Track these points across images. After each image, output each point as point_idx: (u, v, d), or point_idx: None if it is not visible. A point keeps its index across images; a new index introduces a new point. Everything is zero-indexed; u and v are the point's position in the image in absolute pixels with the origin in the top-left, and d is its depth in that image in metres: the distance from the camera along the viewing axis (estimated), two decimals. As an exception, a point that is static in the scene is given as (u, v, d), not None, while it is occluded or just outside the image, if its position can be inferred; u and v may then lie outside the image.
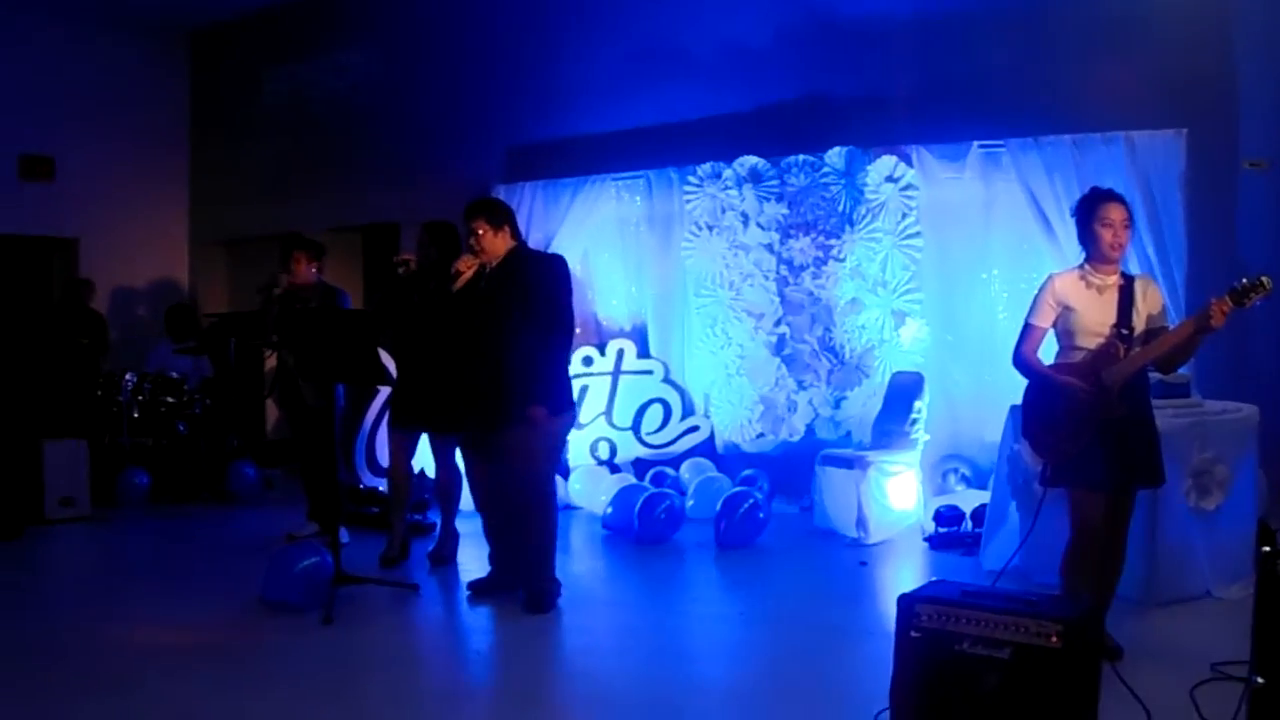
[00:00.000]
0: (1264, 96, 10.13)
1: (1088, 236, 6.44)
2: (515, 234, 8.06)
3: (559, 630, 7.64)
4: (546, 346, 7.76)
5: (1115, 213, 6.46)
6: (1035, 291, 6.59)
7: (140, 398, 13.03)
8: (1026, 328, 6.57)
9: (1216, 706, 5.44)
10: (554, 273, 7.89)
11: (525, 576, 7.98)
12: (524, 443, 7.68)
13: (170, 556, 10.21)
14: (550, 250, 11.37)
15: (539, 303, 7.72)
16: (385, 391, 11.31)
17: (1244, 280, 5.97)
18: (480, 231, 7.89)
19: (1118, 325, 6.33)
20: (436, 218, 9.57)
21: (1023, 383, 6.68)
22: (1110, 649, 6.32)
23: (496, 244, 7.92)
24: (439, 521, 9.62)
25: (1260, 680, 4.78)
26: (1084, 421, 6.26)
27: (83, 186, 15.85)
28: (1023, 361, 6.54)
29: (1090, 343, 6.32)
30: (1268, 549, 4.99)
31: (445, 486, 9.42)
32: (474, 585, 8.35)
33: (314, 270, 10.14)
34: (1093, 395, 6.22)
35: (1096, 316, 6.33)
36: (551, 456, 8.10)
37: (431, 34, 15.01)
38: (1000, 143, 10.65)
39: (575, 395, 8.74)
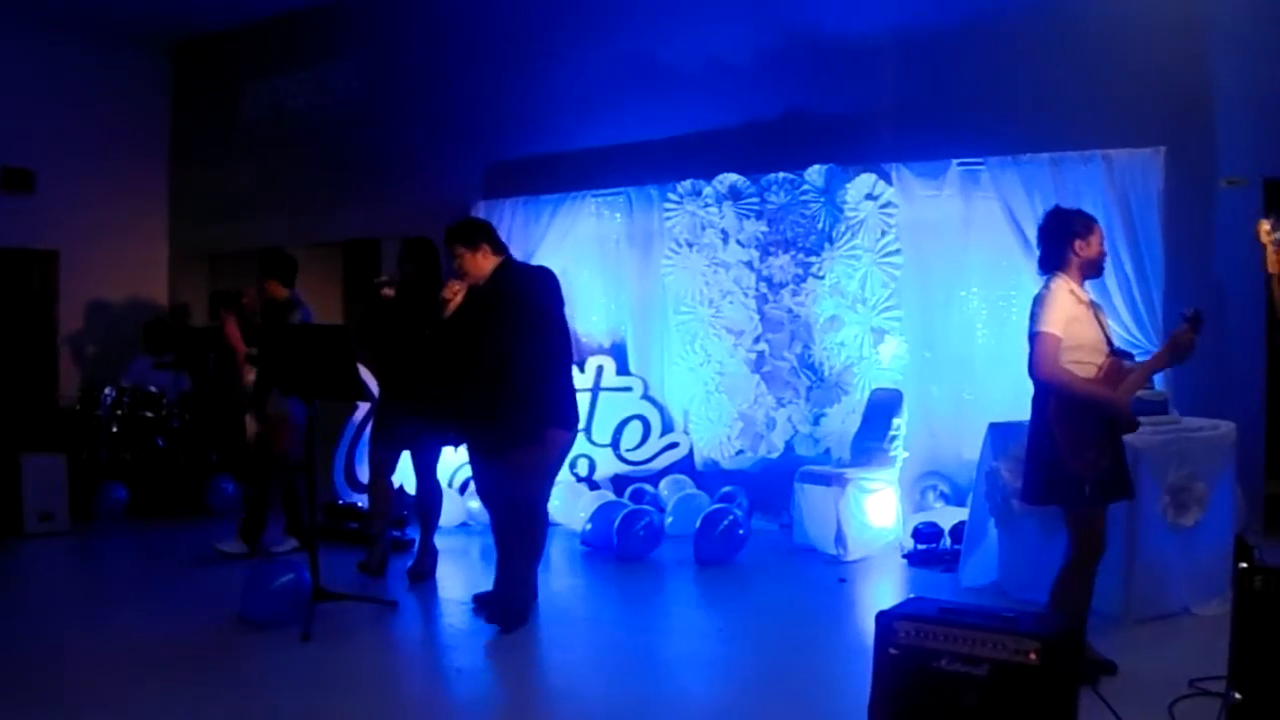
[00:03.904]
0: (1242, 114, 10.17)
1: (1084, 250, 6.39)
2: (498, 249, 8.03)
3: (538, 647, 7.64)
4: (543, 363, 7.75)
5: (1101, 231, 6.51)
6: (1038, 303, 6.30)
7: (119, 412, 13.00)
8: (1044, 337, 6.17)
9: (1195, 723, 5.47)
10: (541, 285, 7.87)
11: (502, 591, 7.98)
12: (521, 463, 7.68)
13: (148, 571, 10.17)
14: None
15: (529, 317, 7.71)
16: (364, 407, 11.33)
17: (1190, 310, 6.10)
18: (459, 255, 7.91)
19: (1108, 342, 6.36)
20: (417, 233, 9.58)
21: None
22: (1103, 663, 6.35)
23: (479, 264, 7.90)
24: (417, 538, 9.61)
25: (1238, 696, 4.80)
26: (1113, 437, 6.26)
27: (63, 199, 15.76)
28: (1053, 374, 6.14)
29: (1092, 357, 6.24)
30: (1245, 565, 5.01)
31: (425, 503, 9.42)
32: (479, 598, 8.36)
33: (288, 292, 10.16)
34: (1127, 410, 6.20)
35: (1092, 332, 6.31)
36: (549, 475, 8.10)
37: (412, 50, 15.02)
38: (979, 161, 10.69)
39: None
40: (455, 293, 7.89)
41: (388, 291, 9.07)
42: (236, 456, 11.33)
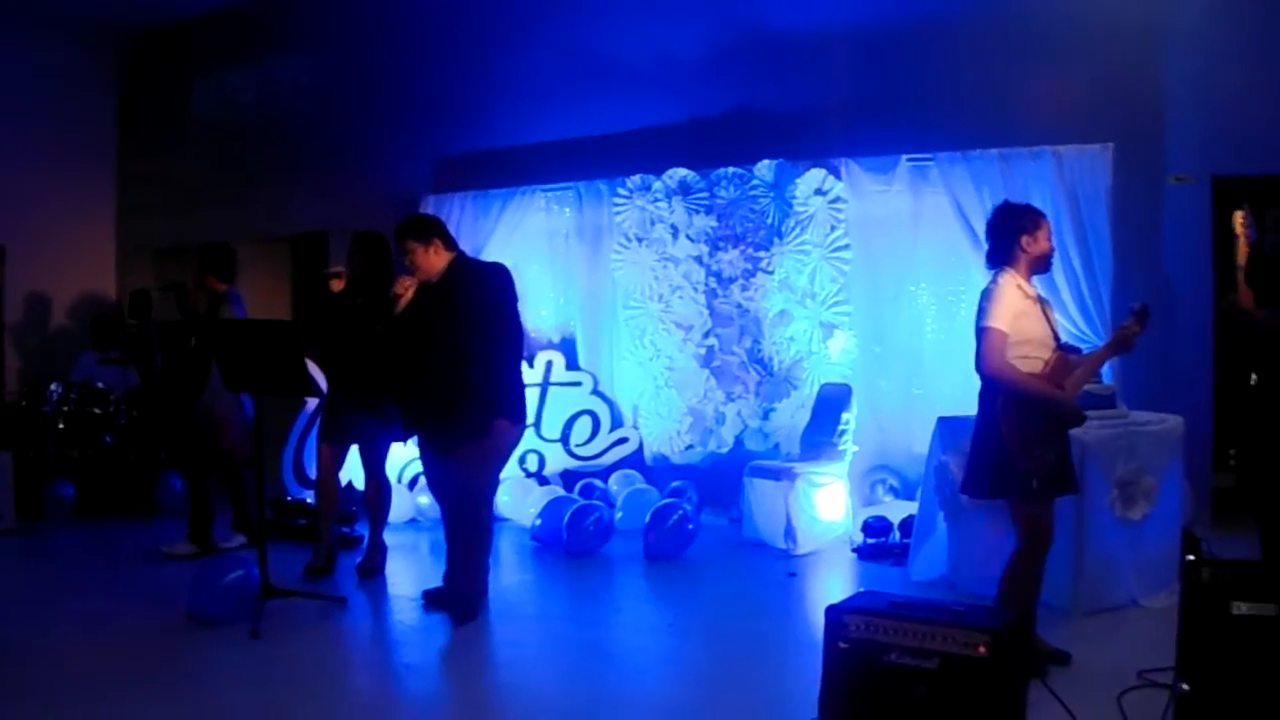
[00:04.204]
0: (1189, 112, 10.26)
1: (1032, 246, 6.41)
2: (450, 245, 8.03)
3: (487, 643, 7.63)
4: (495, 357, 7.75)
5: (1049, 227, 6.54)
6: (985, 298, 6.33)
7: (66, 408, 12.86)
8: (991, 332, 6.20)
9: (1143, 714, 5.49)
10: (496, 282, 7.87)
11: (454, 584, 8.01)
12: (471, 455, 7.68)
13: (97, 569, 10.08)
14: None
15: (483, 314, 7.71)
16: (313, 403, 11.27)
17: (1138, 305, 6.17)
18: (411, 251, 7.89)
19: (1055, 337, 6.39)
20: (366, 228, 9.54)
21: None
22: (1056, 654, 6.41)
23: (431, 260, 7.90)
24: (366, 534, 9.58)
25: (1185, 687, 4.82)
26: (1060, 431, 6.29)
27: (9, 194, 15.50)
28: (999, 370, 6.19)
29: (1039, 352, 6.28)
30: (1192, 557, 5.04)
31: (374, 498, 9.38)
32: (429, 594, 8.37)
33: (225, 286, 10.14)
34: (1074, 405, 6.24)
35: (1039, 327, 6.33)
36: (497, 468, 8.10)
37: (362, 44, 14.96)
38: (929, 156, 10.73)
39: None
40: (406, 288, 7.89)
41: (336, 282, 9.04)
42: (181, 453, 11.27)
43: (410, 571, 9.59)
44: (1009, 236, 6.44)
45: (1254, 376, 7.11)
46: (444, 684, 6.98)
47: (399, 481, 11.51)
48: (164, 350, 12.00)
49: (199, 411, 10.06)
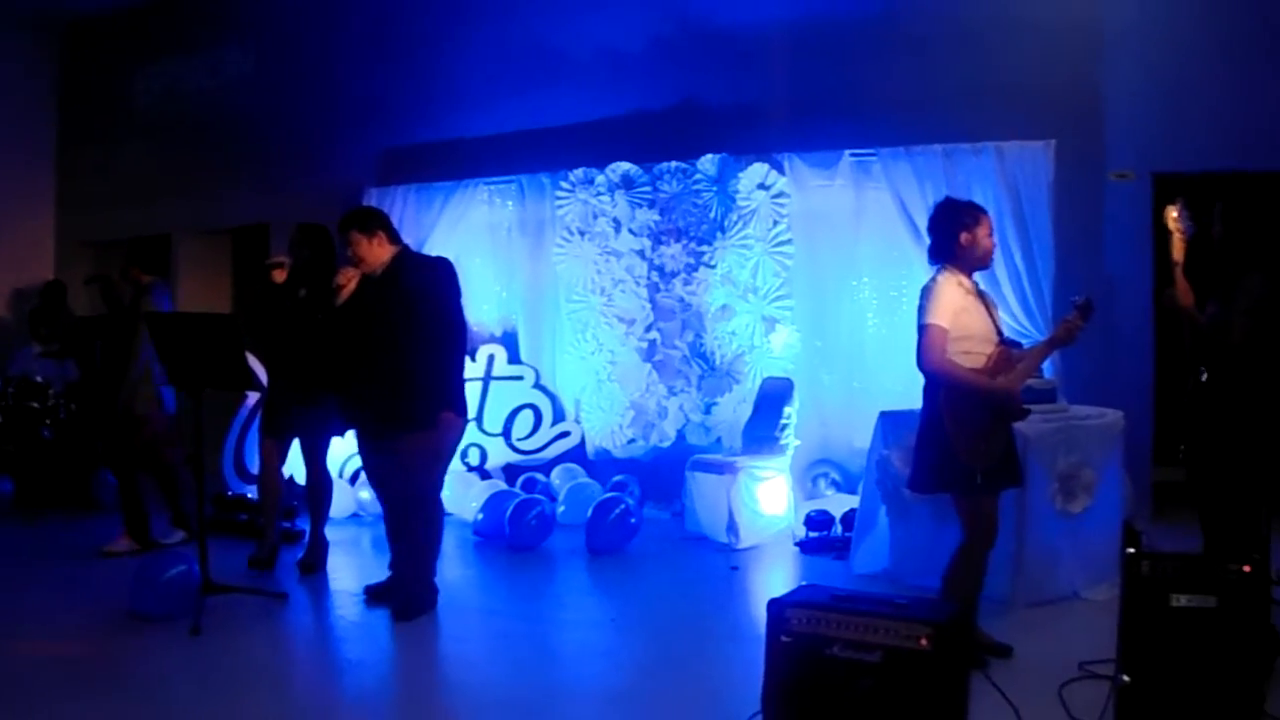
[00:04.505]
0: (1130, 110, 10.35)
1: (971, 243, 6.40)
2: (394, 239, 8.01)
3: (431, 638, 7.59)
4: (439, 351, 7.70)
5: (990, 223, 6.54)
6: (925, 295, 6.33)
7: (3, 403, 12.71)
8: (932, 329, 6.19)
9: (1084, 705, 5.52)
10: (439, 276, 7.83)
11: (401, 581, 7.97)
12: (416, 449, 7.65)
13: (33, 566, 9.98)
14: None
15: (427, 308, 7.66)
16: (254, 396, 11.21)
17: (1081, 298, 6.19)
18: (355, 242, 7.83)
19: (998, 332, 6.41)
20: (308, 220, 9.51)
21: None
22: (999, 647, 6.44)
23: (375, 252, 7.86)
24: (308, 529, 9.53)
25: (1126, 679, 4.86)
26: (1003, 425, 6.30)
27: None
28: (940, 366, 6.19)
29: (981, 348, 6.28)
30: (1132, 550, 5.08)
31: (315, 493, 9.33)
32: (371, 590, 8.33)
33: (150, 278, 10.08)
34: (1017, 399, 6.24)
35: (981, 323, 6.33)
36: (442, 462, 8.06)
37: (306, 35, 14.90)
38: (872, 151, 10.77)
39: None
40: (349, 279, 7.84)
41: (279, 273, 8.99)
42: (109, 448, 11.16)
43: (352, 567, 9.55)
44: (949, 233, 6.44)
45: (1203, 371, 7.14)
46: (387, 680, 6.94)
47: (340, 476, 11.48)
48: (105, 343, 11.91)
49: (119, 406, 9.99)
